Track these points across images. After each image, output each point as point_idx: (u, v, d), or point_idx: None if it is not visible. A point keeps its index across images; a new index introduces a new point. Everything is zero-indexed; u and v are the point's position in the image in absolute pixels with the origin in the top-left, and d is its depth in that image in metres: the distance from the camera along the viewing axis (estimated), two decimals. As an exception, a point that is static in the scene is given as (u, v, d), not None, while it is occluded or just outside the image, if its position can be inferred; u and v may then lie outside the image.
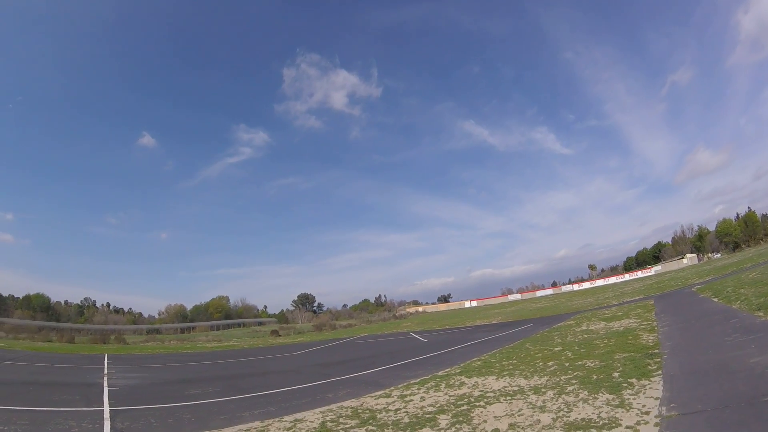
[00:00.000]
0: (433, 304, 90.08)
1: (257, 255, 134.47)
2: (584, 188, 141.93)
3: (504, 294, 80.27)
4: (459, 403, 7.43)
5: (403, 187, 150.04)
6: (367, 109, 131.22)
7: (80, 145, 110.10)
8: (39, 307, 64.47)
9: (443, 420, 6.47)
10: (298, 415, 7.82)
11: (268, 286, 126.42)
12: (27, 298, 66.50)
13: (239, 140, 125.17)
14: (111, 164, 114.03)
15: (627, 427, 5.03)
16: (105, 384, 13.03)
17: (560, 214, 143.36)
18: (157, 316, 76.71)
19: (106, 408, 9.26)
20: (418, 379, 10.37)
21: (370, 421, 6.93)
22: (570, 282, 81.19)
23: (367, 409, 7.79)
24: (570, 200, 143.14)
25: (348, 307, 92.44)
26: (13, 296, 65.96)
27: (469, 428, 5.92)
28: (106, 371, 16.60)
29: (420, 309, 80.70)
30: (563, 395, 6.86)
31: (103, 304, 79.29)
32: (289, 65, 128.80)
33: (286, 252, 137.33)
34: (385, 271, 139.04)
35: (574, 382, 7.64)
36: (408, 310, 79.66)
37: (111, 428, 7.51)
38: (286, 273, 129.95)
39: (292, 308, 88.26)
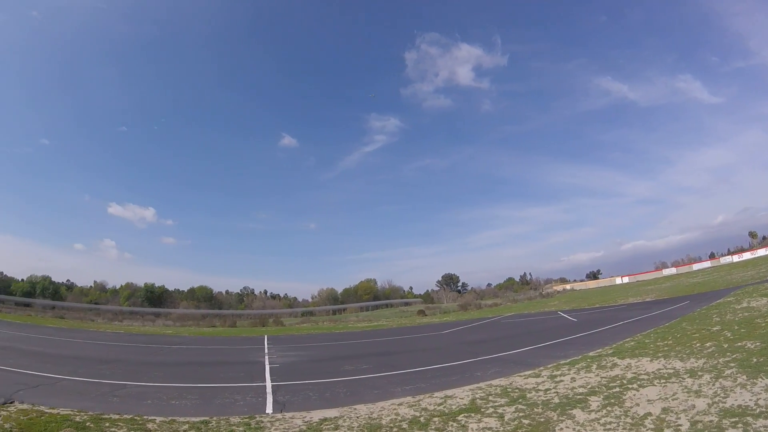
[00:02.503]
0: (582, 281, 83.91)
1: (399, 237, 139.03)
2: (738, 141, 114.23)
3: (658, 268, 71.62)
4: (611, 384, 7.54)
5: (538, 157, 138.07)
6: (495, 80, 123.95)
7: (228, 157, 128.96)
8: (202, 297, 67.98)
9: (594, 402, 6.63)
10: (449, 392, 8.15)
11: (412, 267, 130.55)
12: (191, 290, 70.18)
13: (372, 129, 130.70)
14: (258, 167, 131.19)
15: (787, 415, 4.98)
16: (266, 362, 13.81)
17: (714, 174, 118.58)
18: (310, 300, 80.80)
19: (268, 383, 9.91)
20: (569, 360, 10.42)
21: (520, 400, 7.12)
22: (729, 253, 68.88)
23: (517, 388, 8.03)
24: (724, 156, 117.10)
25: (492, 286, 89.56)
26: (178, 290, 72.47)
27: (620, 411, 6.07)
28: (266, 350, 17.57)
29: (567, 286, 76.19)
30: (720, 379, 6.78)
31: (260, 292, 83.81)
32: (409, 49, 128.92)
33: (426, 232, 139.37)
34: (528, 247, 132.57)
35: (732, 365, 7.45)
36: (555, 287, 75.69)
37: (273, 401, 8.04)
38: (428, 253, 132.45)
39: (437, 288, 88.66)
